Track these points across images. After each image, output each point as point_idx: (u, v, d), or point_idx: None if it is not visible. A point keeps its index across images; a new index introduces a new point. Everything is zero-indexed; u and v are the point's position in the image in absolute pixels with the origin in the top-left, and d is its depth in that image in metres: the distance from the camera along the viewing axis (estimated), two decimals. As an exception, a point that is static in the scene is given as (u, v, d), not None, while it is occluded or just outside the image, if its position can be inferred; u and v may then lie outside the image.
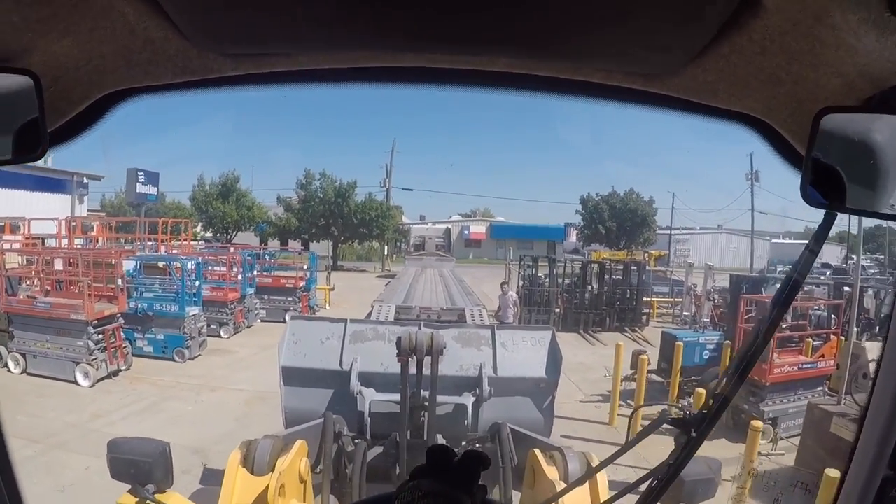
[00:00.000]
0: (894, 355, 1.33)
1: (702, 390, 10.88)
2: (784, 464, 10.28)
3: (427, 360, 5.54)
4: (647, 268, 30.62)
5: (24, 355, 14.47)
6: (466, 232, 63.23)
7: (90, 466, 9.34)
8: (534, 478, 3.79)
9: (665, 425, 1.89)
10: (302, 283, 24.92)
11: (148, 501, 2.97)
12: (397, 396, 5.87)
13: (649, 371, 14.52)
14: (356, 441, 6.11)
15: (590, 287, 26.17)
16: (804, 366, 12.75)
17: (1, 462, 1.53)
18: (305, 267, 26.88)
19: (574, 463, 3.53)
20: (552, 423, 6.94)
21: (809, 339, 13.52)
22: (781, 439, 11.56)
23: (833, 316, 14.82)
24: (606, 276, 26.70)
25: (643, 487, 1.94)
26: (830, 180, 1.26)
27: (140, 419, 12.36)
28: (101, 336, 14.54)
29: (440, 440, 6.03)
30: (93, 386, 14.24)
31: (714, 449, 10.85)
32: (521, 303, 21.51)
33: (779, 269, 39.14)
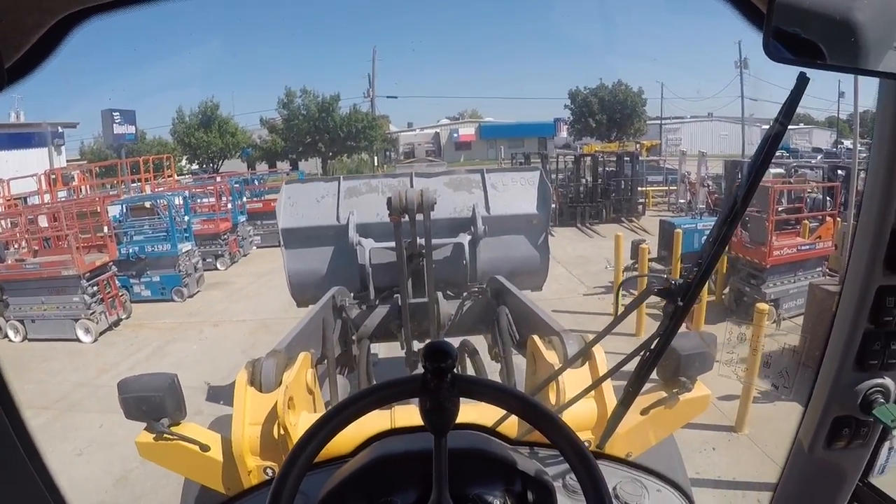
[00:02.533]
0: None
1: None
2: (788, 343, 10.25)
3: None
4: (640, 158, 30.34)
5: (22, 322, 14.34)
6: (456, 135, 62.21)
7: (103, 424, 9.40)
8: (535, 363, 3.70)
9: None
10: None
11: (165, 435, 2.95)
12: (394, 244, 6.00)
13: (650, 259, 14.62)
14: (362, 306, 6.31)
15: (584, 180, 26.06)
16: (802, 247, 12.86)
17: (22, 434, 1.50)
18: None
19: (573, 346, 3.47)
20: (548, 260, 7.20)
21: (806, 222, 13.64)
22: (784, 319, 11.68)
23: (828, 198, 14.92)
24: (600, 169, 26.53)
25: (637, 361, 2.00)
26: (798, 34, 1.10)
27: (147, 366, 12.21)
28: (95, 288, 14.39)
29: (440, 298, 6.29)
30: (95, 340, 14.19)
31: (720, 332, 10.95)
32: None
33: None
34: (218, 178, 27.50)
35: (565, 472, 2.11)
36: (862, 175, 16.27)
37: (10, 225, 17.34)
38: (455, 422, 1.36)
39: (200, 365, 11.76)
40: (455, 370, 1.30)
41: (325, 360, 5.11)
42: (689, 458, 7.23)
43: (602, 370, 3.11)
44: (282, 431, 2.99)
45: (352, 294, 6.47)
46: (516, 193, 6.96)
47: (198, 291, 17.85)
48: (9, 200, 22.86)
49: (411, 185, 6.85)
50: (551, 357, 3.48)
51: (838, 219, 13.64)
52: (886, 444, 1.53)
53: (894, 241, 1.33)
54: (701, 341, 2.84)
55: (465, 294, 6.51)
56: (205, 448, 3.07)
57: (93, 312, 14.15)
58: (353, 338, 6.23)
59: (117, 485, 7.88)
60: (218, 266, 20.68)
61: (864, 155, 11.86)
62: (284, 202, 6.96)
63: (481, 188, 6.93)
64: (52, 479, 1.58)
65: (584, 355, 3.30)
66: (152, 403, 2.89)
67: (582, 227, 24.40)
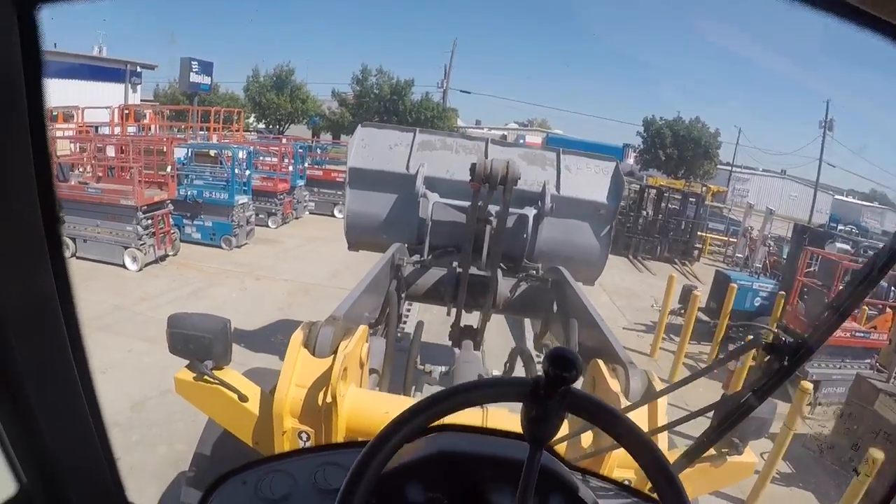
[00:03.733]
0: None
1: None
2: (818, 430, 9.99)
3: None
4: (706, 202, 29.65)
5: (73, 240, 14.57)
6: (522, 141, 61.27)
7: (132, 349, 9.43)
8: (594, 388, 3.55)
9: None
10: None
11: (206, 377, 3.00)
12: (460, 202, 5.98)
13: (700, 309, 14.06)
14: (416, 265, 6.23)
15: (644, 212, 25.49)
16: (856, 334, 11.91)
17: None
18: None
19: (636, 381, 3.32)
20: (607, 255, 7.01)
21: (865, 308, 12.64)
22: (820, 404, 11.09)
23: (893, 288, 13.80)
24: (663, 204, 25.97)
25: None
26: None
27: (185, 304, 12.37)
28: (149, 221, 14.62)
29: (499, 275, 6.13)
30: (140, 270, 14.42)
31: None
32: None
33: (839, 227, 37.26)
34: (283, 140, 27.70)
35: None
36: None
37: (78, 149, 17.60)
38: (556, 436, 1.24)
39: (237, 314, 11.48)
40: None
41: (379, 329, 5.03)
42: None
43: (661, 413, 2.98)
44: (328, 399, 2.94)
45: (407, 251, 6.42)
46: (589, 179, 6.82)
47: (246, 244, 18.05)
48: (81, 127, 23.27)
49: (486, 152, 6.79)
50: (615, 386, 3.32)
51: None
52: None
53: None
54: (763, 407, 2.72)
55: (522, 274, 6.36)
56: (243, 398, 3.10)
57: (143, 244, 14.40)
58: (403, 295, 6.15)
59: (133, 409, 7.94)
60: (269, 224, 20.89)
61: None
62: (357, 142, 6.91)
63: (555, 167, 6.80)
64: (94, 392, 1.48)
65: (647, 394, 3.19)
66: (200, 343, 2.95)
67: (633, 259, 23.98)
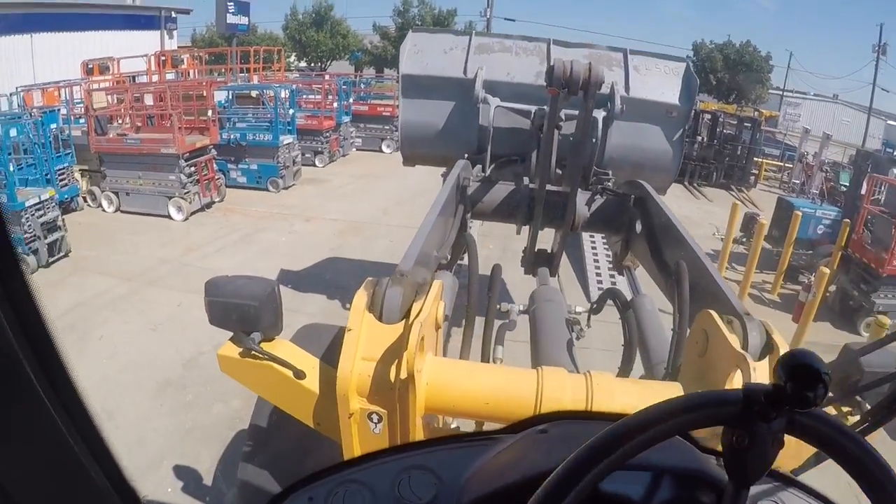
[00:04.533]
0: None
1: (825, 269, 10.05)
2: None
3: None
4: (761, 127, 28.36)
5: (116, 194, 14.49)
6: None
7: (182, 303, 9.36)
8: (706, 341, 2.90)
9: None
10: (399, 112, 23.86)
11: (254, 352, 2.50)
12: (523, 106, 5.66)
13: None
14: (480, 179, 5.71)
15: (699, 138, 24.53)
16: None
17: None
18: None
19: (755, 334, 2.72)
20: (680, 161, 6.65)
21: None
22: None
23: None
24: (717, 129, 25.09)
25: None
26: None
27: (234, 251, 12.35)
28: (193, 169, 14.40)
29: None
30: (186, 219, 14.26)
31: (817, 332, 10.24)
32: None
33: (894, 153, 36.30)
34: (326, 77, 27.28)
35: None
36: None
37: (115, 101, 17.32)
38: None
39: (286, 258, 11.66)
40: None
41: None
42: None
43: None
44: (403, 375, 2.43)
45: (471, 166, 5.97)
46: (659, 80, 6.36)
47: (293, 185, 17.81)
48: (118, 77, 23.08)
49: (548, 54, 6.32)
50: (735, 342, 2.72)
51: None
52: None
53: None
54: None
55: (599, 187, 5.85)
56: (299, 375, 2.60)
57: (187, 192, 14.20)
58: (468, 216, 5.70)
59: (185, 366, 7.79)
60: (316, 163, 20.68)
61: None
62: (409, 48, 6.56)
63: (622, 68, 6.36)
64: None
65: (767, 347, 2.68)
66: (244, 313, 2.46)
67: (689, 186, 23.28)
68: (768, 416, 0.88)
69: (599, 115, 5.84)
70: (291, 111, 18.46)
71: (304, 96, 23.18)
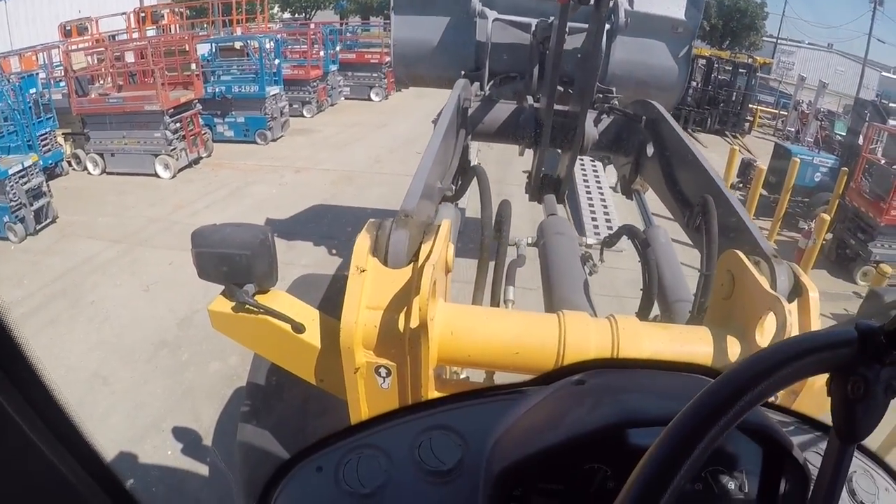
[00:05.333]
0: None
1: (826, 216, 10.19)
2: None
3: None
4: (757, 73, 28.52)
5: (101, 155, 14.19)
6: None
7: (173, 261, 9.25)
8: (732, 283, 2.71)
9: None
10: (387, 59, 23.06)
11: (248, 306, 2.29)
12: (523, 19, 5.50)
13: None
14: (480, 98, 5.49)
15: (693, 83, 24.40)
16: None
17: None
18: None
19: (783, 276, 2.59)
20: (686, 79, 6.41)
21: None
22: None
23: None
24: (713, 75, 25.04)
25: None
26: None
27: (224, 206, 12.18)
28: (178, 125, 14.08)
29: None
30: (174, 177, 14.01)
31: (814, 279, 9.76)
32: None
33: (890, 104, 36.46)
34: (311, 26, 26.83)
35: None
36: None
37: (96, 61, 16.89)
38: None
39: (279, 210, 11.55)
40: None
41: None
42: None
43: (815, 313, 2.37)
44: (413, 323, 2.21)
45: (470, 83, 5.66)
46: None
47: (282, 136, 17.58)
48: (97, 36, 22.62)
49: None
50: (765, 283, 2.53)
51: None
52: None
53: None
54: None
55: (607, 106, 5.54)
56: (299, 328, 2.40)
57: (173, 149, 13.92)
58: (469, 139, 5.48)
59: (180, 326, 7.70)
60: (304, 113, 20.45)
61: None
62: None
63: None
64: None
65: (795, 290, 2.56)
66: (236, 264, 2.23)
67: (684, 131, 22.92)
68: (884, 360, 0.78)
69: (604, 28, 5.64)
70: (277, 61, 18.09)
71: (290, 46, 22.79)
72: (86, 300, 8.37)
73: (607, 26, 5.36)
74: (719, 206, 3.59)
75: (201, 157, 15.08)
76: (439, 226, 2.65)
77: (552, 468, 1.21)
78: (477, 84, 5.70)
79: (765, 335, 2.40)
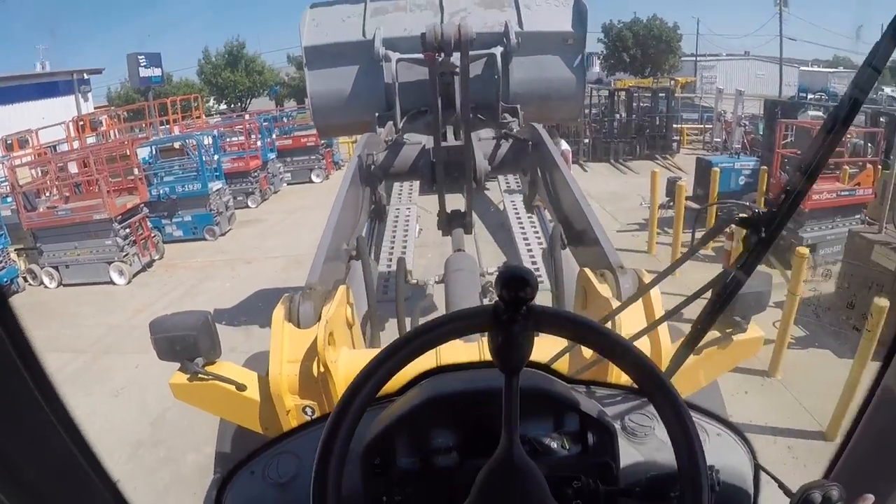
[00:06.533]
0: None
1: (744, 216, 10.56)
2: (823, 290, 10.27)
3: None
4: (675, 94, 29.85)
5: (56, 268, 14.35)
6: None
7: (139, 364, 9.41)
8: (585, 297, 3.48)
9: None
10: (323, 140, 23.78)
11: (199, 375, 2.91)
12: (423, 56, 5.57)
13: (688, 198, 14.42)
14: (389, 142, 5.93)
15: (617, 115, 25.53)
16: (842, 193, 12.33)
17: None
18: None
19: (627, 282, 3.25)
20: (584, 86, 6.79)
21: (846, 168, 13.06)
22: (820, 265, 11.33)
23: (870, 144, 14.13)
24: (634, 104, 25.97)
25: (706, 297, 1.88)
26: None
27: (180, 306, 12.20)
28: (128, 230, 14.31)
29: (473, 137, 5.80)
30: (129, 282, 14.18)
31: (755, 273, 10.53)
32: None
33: (809, 97, 39.13)
34: (247, 117, 27.34)
35: (625, 412, 1.94)
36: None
37: (40, 174, 17.15)
38: (528, 359, 1.19)
39: (234, 302, 11.75)
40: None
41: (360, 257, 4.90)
42: (724, 400, 7.20)
43: (658, 308, 2.93)
44: (321, 369, 2.86)
45: (378, 121, 6.11)
46: (550, 12, 6.46)
47: (230, 229, 17.82)
48: (38, 149, 22.81)
49: (440, 4, 6.44)
50: (605, 292, 3.23)
51: (879, 167, 13.13)
52: None
53: None
54: (756, 280, 2.53)
55: (501, 133, 6.18)
56: (241, 387, 3.01)
57: (126, 255, 14.11)
58: (381, 188, 6.00)
59: (154, 424, 7.90)
60: (249, 204, 20.68)
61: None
62: (308, 22, 6.53)
63: (513, 6, 6.45)
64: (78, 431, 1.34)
65: (640, 290, 3.10)
66: (185, 343, 2.83)
67: (615, 163, 23.97)
68: (514, 319, 1.11)
69: (498, 50, 5.98)
70: (217, 156, 18.49)
71: (228, 139, 23.18)
72: (60, 414, 8.46)
73: (501, 49, 5.95)
74: (580, 224, 4.28)
75: (154, 260, 15.26)
76: (337, 291, 3.39)
77: (405, 444, 1.63)
78: (390, 123, 6.00)
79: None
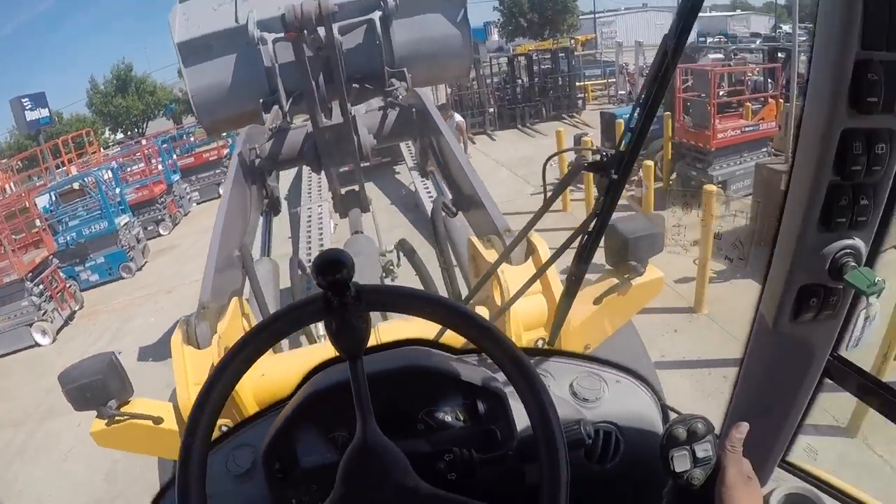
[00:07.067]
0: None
1: (649, 162, 11.17)
2: (739, 222, 10.56)
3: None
4: (575, 53, 30.32)
5: (-24, 344, 13.46)
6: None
7: (81, 422, 9.02)
8: (476, 266, 3.58)
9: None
10: (226, 151, 23.35)
11: (116, 417, 2.88)
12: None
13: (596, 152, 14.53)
14: (274, 129, 5.80)
15: (519, 81, 25.69)
16: (746, 129, 12.81)
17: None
18: (225, 134, 25.54)
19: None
20: (470, 42, 6.69)
21: (749, 104, 13.67)
22: (733, 200, 11.64)
23: (769, 80, 14.77)
24: (535, 67, 26.09)
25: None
26: None
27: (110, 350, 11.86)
28: (41, 287, 13.64)
29: (353, 111, 5.71)
30: (54, 340, 13.58)
31: (669, 218, 11.09)
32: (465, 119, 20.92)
33: (708, 41, 40.50)
34: (143, 142, 26.54)
35: None
36: (802, 57, 16.30)
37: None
38: (368, 340, 1.21)
39: (161, 335, 11.38)
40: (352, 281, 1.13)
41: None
42: (652, 341, 7.21)
43: (544, 258, 3.01)
44: None
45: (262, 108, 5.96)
46: None
47: (145, 262, 17.36)
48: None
49: None
50: (492, 256, 3.30)
51: (780, 100, 13.59)
52: (861, 313, 1.24)
53: (859, 71, 1.03)
54: (648, 222, 2.77)
55: (388, 100, 6.04)
56: (158, 421, 2.97)
57: (44, 312, 13.43)
58: (272, 179, 5.88)
59: (107, 479, 7.79)
60: (161, 231, 20.06)
61: (804, 38, 11.84)
62: (179, 18, 6.28)
63: None
64: None
65: (528, 251, 3.19)
66: (94, 389, 2.79)
67: (523, 128, 24.17)
68: (345, 303, 1.12)
69: (376, 15, 5.86)
70: (118, 190, 17.88)
71: (129, 168, 22.52)
72: (13, 491, 8.29)
73: (380, 13, 5.81)
74: (468, 191, 4.29)
75: (75, 312, 14.69)
76: (229, 305, 3.42)
77: (304, 443, 1.64)
78: (276, 108, 5.89)
79: (500, 297, 3.05)
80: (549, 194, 2.10)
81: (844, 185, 1.14)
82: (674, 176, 13.67)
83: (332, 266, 1.08)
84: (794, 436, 1.64)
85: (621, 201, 1.79)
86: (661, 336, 7.87)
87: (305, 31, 4.89)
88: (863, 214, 1.15)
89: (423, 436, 1.63)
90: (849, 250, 1.18)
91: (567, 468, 1.17)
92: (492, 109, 24.57)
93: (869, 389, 1.38)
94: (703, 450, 1.30)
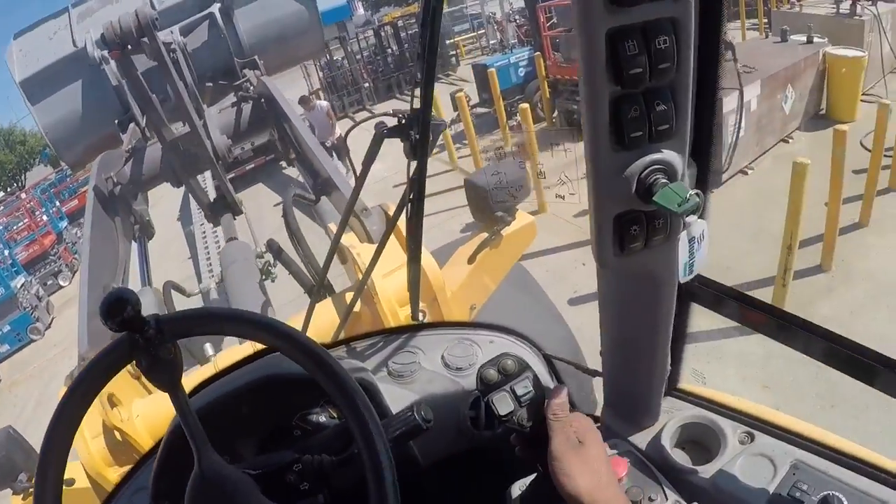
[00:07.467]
0: None
1: (525, 105, 10.83)
2: None
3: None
4: (442, 11, 29.67)
5: None
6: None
7: None
8: (340, 252, 3.42)
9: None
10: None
11: (30, 490, 2.77)
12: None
13: (476, 105, 14.99)
14: (130, 151, 5.53)
15: (389, 50, 25.66)
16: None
17: None
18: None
19: (374, 222, 3.31)
20: (318, 13, 6.61)
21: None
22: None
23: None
24: (403, 34, 25.89)
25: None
26: None
27: (38, 423, 11.24)
28: None
29: (207, 117, 5.54)
30: None
31: (558, 156, 10.93)
32: (331, 100, 20.79)
33: None
34: (23, 195, 25.45)
35: (387, 358, 1.95)
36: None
37: None
38: (181, 370, 1.14)
39: None
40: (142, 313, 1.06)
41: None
42: (564, 278, 7.50)
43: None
44: (118, 434, 2.78)
45: (122, 135, 5.66)
46: None
47: (52, 318, 16.66)
48: None
49: None
50: (351, 239, 3.26)
51: None
52: (682, 235, 1.08)
53: None
54: (509, 168, 2.69)
55: (240, 94, 5.85)
56: (70, 483, 2.84)
57: None
58: (138, 202, 5.65)
59: None
60: (61, 283, 19.10)
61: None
62: (16, 55, 5.96)
63: None
64: None
65: (394, 229, 3.08)
66: (1, 467, 2.73)
67: (401, 96, 23.97)
68: (148, 339, 1.07)
69: (216, 7, 5.71)
70: (7, 252, 17.20)
71: (14, 227, 21.53)
72: None
73: (218, 4, 5.66)
74: (324, 174, 4.22)
75: None
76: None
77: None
78: (132, 126, 5.63)
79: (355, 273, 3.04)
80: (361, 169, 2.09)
81: (632, 93, 0.93)
82: (556, 114, 13.76)
83: (115, 307, 1.02)
84: (675, 364, 1.57)
85: (507, 149, 1.73)
86: (572, 271, 7.98)
87: (129, 46, 4.64)
88: (664, 122, 0.95)
89: (300, 441, 1.57)
90: (657, 166, 0.99)
91: (389, 460, 1.13)
92: (367, 84, 24.33)
93: (726, 303, 1.34)
94: (523, 387, 1.26)
